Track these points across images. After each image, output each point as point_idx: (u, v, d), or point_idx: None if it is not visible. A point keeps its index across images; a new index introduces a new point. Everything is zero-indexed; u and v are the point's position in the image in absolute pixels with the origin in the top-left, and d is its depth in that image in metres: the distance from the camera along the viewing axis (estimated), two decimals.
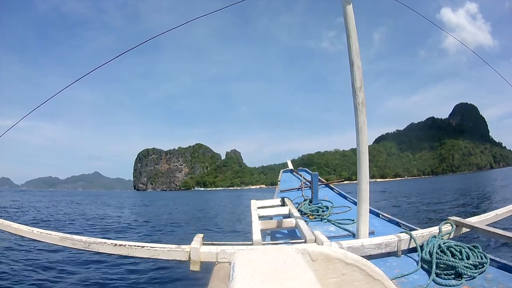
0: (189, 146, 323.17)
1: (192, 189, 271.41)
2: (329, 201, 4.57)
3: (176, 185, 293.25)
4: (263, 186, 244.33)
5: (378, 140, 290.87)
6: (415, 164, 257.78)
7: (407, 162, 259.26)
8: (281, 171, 6.96)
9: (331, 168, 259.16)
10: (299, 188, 5.54)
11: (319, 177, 4.84)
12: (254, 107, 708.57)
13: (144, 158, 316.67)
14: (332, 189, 5.58)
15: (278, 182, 6.32)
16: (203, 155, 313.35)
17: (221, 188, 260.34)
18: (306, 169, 7.00)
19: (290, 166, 7.22)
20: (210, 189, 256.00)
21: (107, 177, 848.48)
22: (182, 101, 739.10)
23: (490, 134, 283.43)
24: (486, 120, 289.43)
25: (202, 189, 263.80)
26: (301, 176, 6.23)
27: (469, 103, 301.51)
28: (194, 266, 2.24)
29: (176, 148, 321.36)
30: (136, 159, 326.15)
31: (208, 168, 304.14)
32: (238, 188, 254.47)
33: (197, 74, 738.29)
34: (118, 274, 6.34)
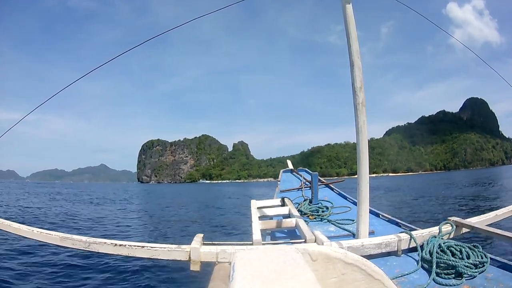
0: (195, 137, 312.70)
1: (198, 181, 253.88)
2: (329, 201, 4.52)
3: (181, 178, 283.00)
4: (271, 179, 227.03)
5: (389, 133, 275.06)
6: (427, 158, 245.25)
7: (419, 156, 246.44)
8: (281, 171, 6.88)
9: (342, 161, 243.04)
10: (299, 188, 5.43)
11: (319, 177, 4.79)
12: (263, 100, 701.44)
13: (149, 149, 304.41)
14: (332, 189, 5.48)
15: (278, 182, 6.21)
16: (210, 147, 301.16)
17: (227, 180, 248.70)
18: (306, 169, 6.88)
19: (290, 166, 7.11)
20: (216, 181, 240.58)
21: (113, 169, 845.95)
22: (190, 94, 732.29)
23: (500, 129, 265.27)
24: (496, 115, 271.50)
25: (208, 181, 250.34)
26: (301, 176, 6.14)
27: (479, 97, 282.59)
28: (194, 266, 2.19)
29: (182, 139, 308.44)
30: (140, 150, 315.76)
31: (215, 160, 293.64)
32: (246, 181, 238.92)
33: (205, 67, 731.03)
34: (117, 274, 6.21)
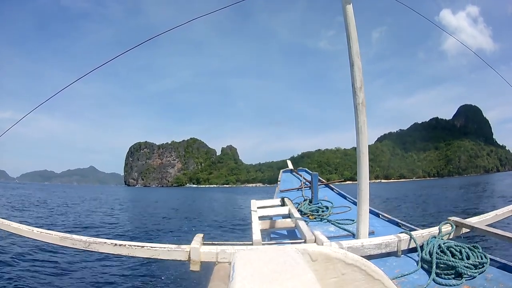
0: (183, 141, 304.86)
1: (185, 185, 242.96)
2: (329, 201, 4.52)
3: (168, 181, 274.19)
4: (260, 184, 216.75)
5: (381, 139, 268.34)
6: (420, 165, 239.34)
7: (412, 163, 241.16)
8: (281, 171, 6.81)
9: (333, 167, 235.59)
10: (299, 188, 5.45)
11: (319, 177, 4.80)
12: (252, 104, 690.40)
13: (136, 152, 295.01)
14: (332, 189, 5.49)
15: (278, 182, 6.16)
16: (198, 150, 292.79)
17: (215, 185, 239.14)
18: (306, 169, 6.86)
19: (290, 166, 7.03)
20: (204, 186, 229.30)
21: (102, 171, 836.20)
22: (179, 96, 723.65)
23: (494, 137, 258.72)
24: (490, 122, 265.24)
25: (195, 186, 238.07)
26: (301, 176, 6.13)
27: (473, 104, 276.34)
28: (194, 266, 2.20)
29: (169, 142, 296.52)
30: (127, 153, 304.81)
31: (202, 164, 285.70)
32: (234, 185, 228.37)
33: (195, 69, 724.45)
34: (117, 274, 6.22)
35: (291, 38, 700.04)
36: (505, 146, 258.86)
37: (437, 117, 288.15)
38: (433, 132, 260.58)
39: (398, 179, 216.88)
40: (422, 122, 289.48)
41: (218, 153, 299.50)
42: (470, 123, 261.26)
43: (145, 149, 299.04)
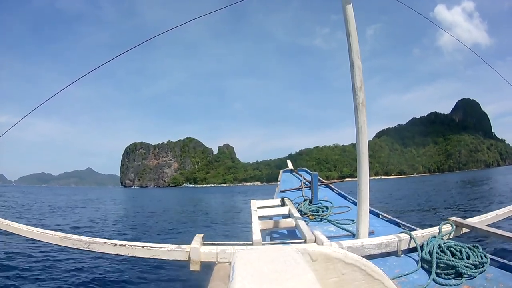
0: (179, 140, 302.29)
1: (182, 185, 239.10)
2: (329, 201, 4.55)
3: (165, 182, 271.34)
4: (258, 183, 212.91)
5: (380, 135, 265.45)
6: (419, 160, 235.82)
7: (411, 158, 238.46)
8: (281, 171, 6.77)
9: (331, 164, 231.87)
10: (299, 188, 5.48)
11: (319, 177, 4.81)
12: (249, 103, 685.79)
13: (132, 152, 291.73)
14: (332, 189, 5.51)
15: (278, 182, 6.17)
16: (194, 150, 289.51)
17: (212, 185, 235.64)
18: (306, 169, 6.78)
19: (290, 166, 6.98)
20: (201, 186, 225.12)
21: (99, 173, 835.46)
22: (175, 97, 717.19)
23: (493, 131, 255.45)
24: (488, 116, 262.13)
25: (192, 185, 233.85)
26: (301, 176, 6.13)
27: (471, 98, 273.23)
28: (194, 266, 2.21)
29: (165, 142, 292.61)
30: (123, 154, 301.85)
31: (199, 164, 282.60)
32: (231, 185, 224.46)
33: (191, 69, 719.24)
34: (117, 274, 6.25)
35: (287, 37, 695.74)
36: (504, 140, 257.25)
37: (436, 112, 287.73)
38: (431, 126, 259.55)
39: (398, 175, 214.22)
40: (420, 117, 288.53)
41: (215, 152, 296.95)
42: (469, 117, 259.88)
43: (141, 150, 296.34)
